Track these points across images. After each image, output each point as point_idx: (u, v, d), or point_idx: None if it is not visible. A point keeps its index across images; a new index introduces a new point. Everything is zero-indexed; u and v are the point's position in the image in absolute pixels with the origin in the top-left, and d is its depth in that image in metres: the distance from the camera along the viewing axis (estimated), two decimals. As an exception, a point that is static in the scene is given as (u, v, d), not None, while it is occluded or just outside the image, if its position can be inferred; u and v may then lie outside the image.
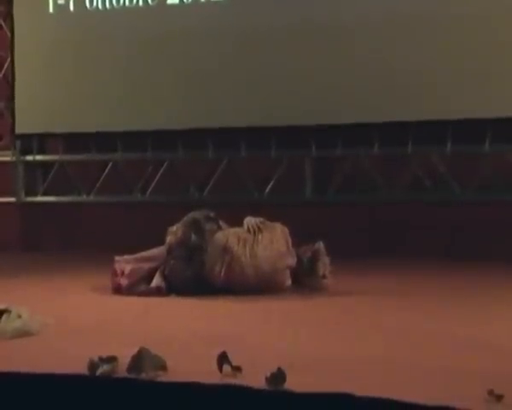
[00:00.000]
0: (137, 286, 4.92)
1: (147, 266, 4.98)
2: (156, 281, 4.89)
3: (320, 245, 4.93)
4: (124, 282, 4.92)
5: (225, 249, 4.81)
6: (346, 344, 3.51)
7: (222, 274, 4.78)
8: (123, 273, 4.95)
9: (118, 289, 4.92)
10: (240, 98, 6.50)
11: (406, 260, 5.82)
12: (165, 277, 4.90)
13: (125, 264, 5.00)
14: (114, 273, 4.98)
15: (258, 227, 4.88)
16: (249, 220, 4.93)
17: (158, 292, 4.84)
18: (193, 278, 4.81)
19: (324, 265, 4.89)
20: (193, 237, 4.85)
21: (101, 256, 5.30)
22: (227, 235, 4.87)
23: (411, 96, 6.05)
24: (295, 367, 2.94)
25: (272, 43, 6.37)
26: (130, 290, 4.88)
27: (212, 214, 4.98)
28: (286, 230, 4.92)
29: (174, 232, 4.94)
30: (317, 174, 6.53)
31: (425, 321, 3.96)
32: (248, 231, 4.87)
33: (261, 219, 4.93)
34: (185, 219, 4.99)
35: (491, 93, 5.89)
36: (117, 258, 5.04)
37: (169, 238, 4.96)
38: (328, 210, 6.39)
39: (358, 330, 3.84)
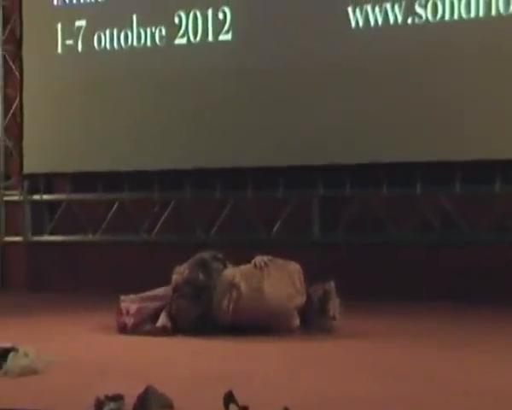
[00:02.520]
0: (143, 326, 4.89)
1: (152, 305, 4.95)
2: (162, 320, 4.86)
3: (331, 285, 4.90)
4: (129, 321, 4.90)
5: (232, 286, 4.78)
6: (350, 385, 3.49)
7: (230, 310, 4.75)
8: (128, 313, 4.92)
9: (123, 329, 4.89)
10: (246, 139, 6.52)
11: (413, 302, 5.78)
12: (171, 316, 4.86)
13: (131, 303, 4.97)
14: (120, 313, 4.96)
15: (266, 263, 4.87)
16: (258, 258, 4.92)
17: (164, 331, 4.80)
18: (200, 316, 4.78)
19: (334, 306, 4.86)
20: (200, 275, 4.84)
21: (106, 295, 5.31)
22: (234, 272, 4.85)
23: (420, 136, 6.05)
24: (302, 407, 2.92)
25: (280, 83, 6.40)
26: (135, 330, 4.85)
27: (219, 255, 4.96)
28: (298, 268, 4.89)
29: (181, 272, 4.93)
30: (324, 214, 6.52)
31: (429, 364, 3.92)
32: (255, 266, 4.85)
33: (270, 257, 4.92)
34: (192, 259, 4.97)
35: (500, 135, 5.87)
36: (122, 297, 5.02)
37: (175, 277, 4.94)
38: (336, 250, 6.36)
39: (364, 371, 3.81)
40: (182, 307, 4.83)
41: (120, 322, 4.93)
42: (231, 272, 4.85)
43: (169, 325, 4.84)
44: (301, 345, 4.52)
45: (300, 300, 4.85)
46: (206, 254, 4.97)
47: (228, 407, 2.96)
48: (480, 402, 3.15)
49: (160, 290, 5.01)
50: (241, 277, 4.80)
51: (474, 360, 4.04)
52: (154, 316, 4.91)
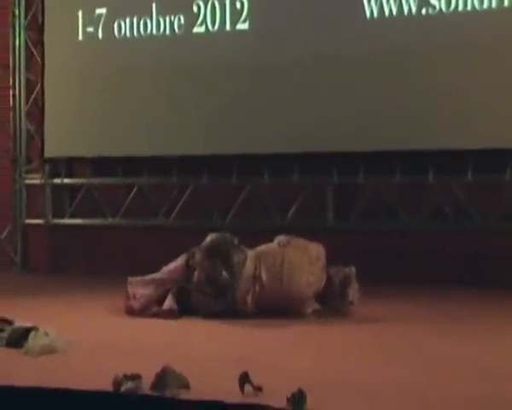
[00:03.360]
0: (149, 309, 4.94)
1: (159, 289, 4.99)
2: (168, 303, 4.91)
3: (352, 271, 4.96)
4: (136, 305, 4.97)
5: (256, 279, 4.84)
6: (366, 369, 3.56)
7: (253, 303, 4.81)
8: (135, 297, 4.99)
9: (130, 312, 4.97)
10: (263, 126, 6.61)
11: (424, 288, 5.86)
12: (177, 299, 4.89)
13: (138, 287, 5.03)
14: (127, 296, 5.03)
15: (288, 241, 4.92)
16: (280, 237, 4.98)
17: (170, 314, 4.86)
18: (223, 312, 4.79)
19: (354, 291, 4.93)
20: (224, 274, 4.81)
21: (124, 278, 5.35)
22: (255, 263, 4.86)
23: (432, 125, 6.12)
24: (316, 389, 3.00)
25: (295, 72, 6.48)
26: (142, 313, 4.92)
27: (235, 241, 4.96)
28: (321, 250, 4.95)
29: (198, 260, 4.90)
30: (338, 201, 6.61)
31: (447, 348, 4.01)
32: (278, 245, 4.90)
33: (292, 236, 4.98)
34: (209, 245, 4.95)
35: (511, 124, 5.94)
36: (130, 279, 5.09)
37: (191, 261, 4.96)
38: (349, 236, 6.45)
39: (379, 355, 3.89)
40: (203, 303, 4.84)
41: (128, 305, 5.01)
42: (253, 265, 4.85)
43: (175, 307, 4.89)
44: (317, 329, 4.59)
45: (319, 285, 4.91)
46: (223, 242, 4.94)
47: (243, 388, 3.05)
48: (491, 385, 3.24)
49: (167, 273, 5.04)
50: (262, 267, 4.84)
51: (484, 343, 4.12)
52: (162, 299, 4.95)
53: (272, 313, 4.75)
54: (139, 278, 5.11)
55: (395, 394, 3.11)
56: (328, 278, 4.95)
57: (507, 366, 3.61)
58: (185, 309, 4.88)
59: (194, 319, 4.80)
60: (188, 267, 5.01)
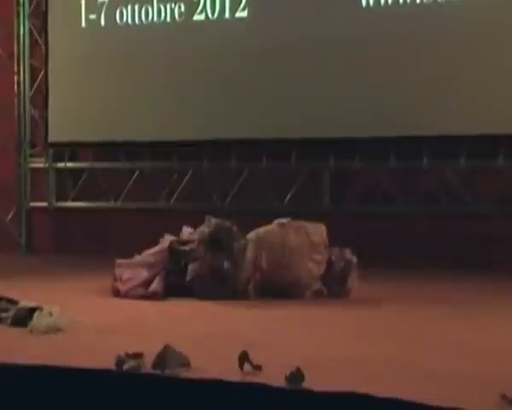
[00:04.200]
0: (135, 290, 4.97)
1: (146, 271, 5.01)
2: (155, 285, 4.93)
3: (353, 259, 5.00)
4: (122, 288, 5.01)
5: (256, 268, 4.89)
6: (363, 347, 3.65)
7: (254, 291, 4.87)
8: (121, 279, 5.04)
9: (117, 294, 5.01)
10: (261, 111, 6.72)
11: (420, 270, 5.96)
12: (165, 283, 4.90)
13: (125, 269, 5.07)
14: (114, 278, 5.09)
15: (289, 223, 4.95)
16: (280, 220, 5.03)
17: (153, 296, 4.89)
18: (224, 298, 4.82)
19: (353, 278, 4.99)
20: (226, 264, 4.83)
21: (126, 259, 5.37)
22: (255, 250, 4.89)
23: (427, 111, 6.24)
24: (314, 367, 3.06)
25: (293, 59, 6.60)
26: (127, 295, 4.94)
27: (234, 228, 4.94)
28: (321, 231, 4.96)
29: (201, 255, 4.85)
30: (334, 185, 6.74)
31: (442, 328, 4.12)
32: (279, 227, 4.94)
33: (289, 220, 5.02)
34: (208, 237, 4.91)
35: (503, 111, 6.06)
36: (118, 261, 5.14)
37: (175, 245, 5.00)
38: (345, 220, 6.57)
39: (376, 334, 3.98)
40: (205, 291, 4.84)
41: (114, 287, 5.04)
42: (254, 252, 4.87)
43: (159, 289, 4.90)
44: (315, 311, 4.64)
45: (319, 271, 4.95)
46: (222, 232, 4.91)
47: (242, 367, 3.08)
48: (495, 361, 3.34)
49: (155, 255, 5.05)
50: (263, 254, 4.88)
51: (478, 323, 4.23)
52: (149, 282, 4.97)
53: (272, 297, 4.85)
54: (127, 260, 5.15)
55: (391, 370, 3.20)
56: (330, 263, 4.98)
57: (501, 343, 3.72)
58: (183, 289, 4.92)
59: (195, 300, 4.87)
60: (172, 251, 5.05)
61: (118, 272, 5.09)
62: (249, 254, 4.90)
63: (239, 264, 4.85)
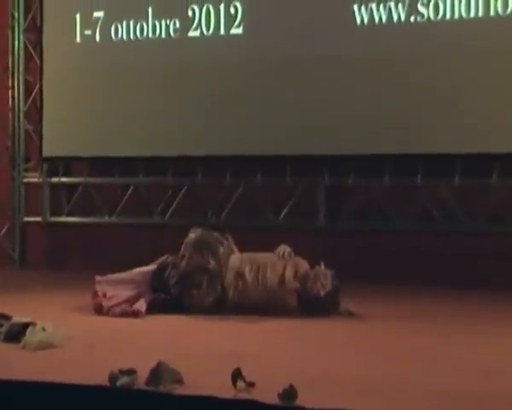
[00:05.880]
0: (118, 307, 4.98)
1: (129, 289, 5.04)
2: (139, 304, 4.96)
3: (339, 283, 4.96)
4: (105, 304, 5.00)
5: (239, 276, 4.96)
6: (355, 364, 3.67)
7: (235, 299, 4.93)
8: (105, 295, 5.04)
9: (99, 310, 5.00)
10: (256, 128, 6.75)
11: (413, 287, 5.97)
12: (149, 301, 4.94)
13: (107, 286, 5.08)
14: (95, 295, 5.08)
15: (289, 254, 5.05)
16: (283, 248, 5.10)
17: (135, 315, 4.91)
18: (215, 305, 4.91)
19: (345, 303, 4.97)
20: (211, 262, 4.96)
21: None
22: (240, 261, 5.00)
23: (422, 129, 6.27)
24: (307, 385, 3.09)
25: (287, 76, 6.63)
26: (109, 312, 4.95)
27: (219, 236, 5.08)
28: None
29: (188, 256, 4.97)
30: (329, 202, 6.75)
31: (431, 345, 4.13)
32: (278, 256, 5.04)
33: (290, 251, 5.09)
34: (195, 239, 5.06)
35: (497, 130, 6.09)
36: (98, 278, 5.16)
37: (170, 259, 5.07)
38: (340, 236, 6.59)
39: (367, 351, 4.01)
40: (195, 297, 4.93)
41: (97, 303, 5.02)
42: (238, 261, 4.99)
43: (142, 309, 4.92)
44: (305, 326, 4.68)
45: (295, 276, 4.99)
46: (207, 235, 5.07)
47: (236, 384, 3.11)
48: (483, 378, 3.36)
49: (137, 275, 5.10)
50: (247, 267, 4.95)
51: (469, 340, 4.24)
52: (133, 300, 5.00)
53: (257, 311, 4.85)
54: (107, 276, 5.17)
55: (382, 388, 3.22)
56: (317, 298, 4.91)
57: (488, 364, 3.73)
58: (177, 306, 4.96)
59: (187, 315, 4.90)
60: (160, 271, 5.09)
61: (99, 288, 5.10)
62: (233, 259, 5.01)
63: (223, 265, 4.97)
